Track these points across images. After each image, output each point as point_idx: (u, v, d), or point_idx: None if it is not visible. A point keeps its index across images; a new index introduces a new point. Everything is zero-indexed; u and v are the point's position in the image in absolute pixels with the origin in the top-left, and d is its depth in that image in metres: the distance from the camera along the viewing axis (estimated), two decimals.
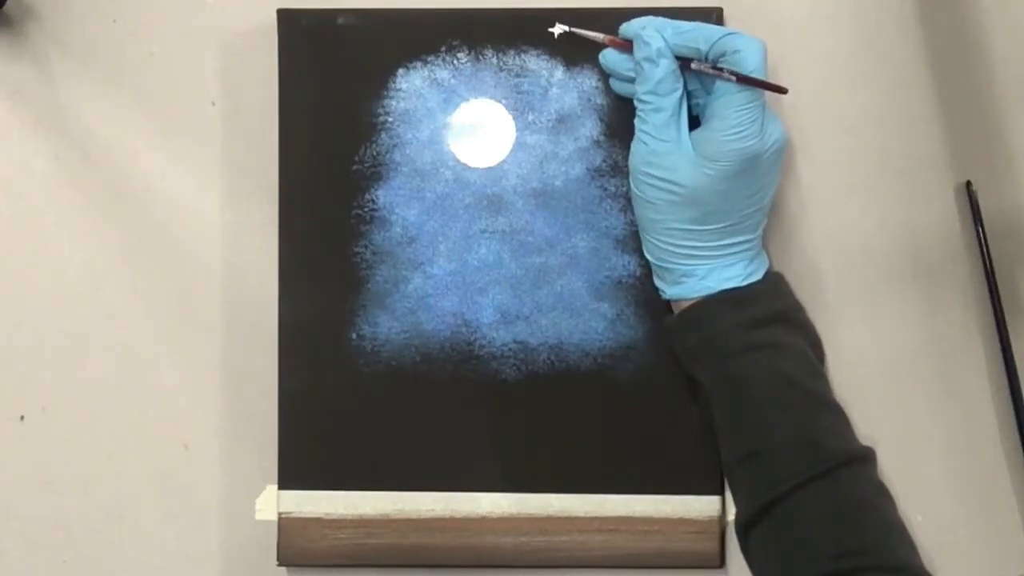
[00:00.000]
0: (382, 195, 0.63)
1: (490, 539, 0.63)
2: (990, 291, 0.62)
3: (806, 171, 0.64)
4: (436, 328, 0.63)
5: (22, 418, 0.64)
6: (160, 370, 0.64)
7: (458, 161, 0.63)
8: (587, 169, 0.63)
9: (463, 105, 0.63)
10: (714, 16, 0.62)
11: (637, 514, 0.62)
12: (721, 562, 0.63)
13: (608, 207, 0.62)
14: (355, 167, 0.63)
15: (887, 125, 0.64)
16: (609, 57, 0.61)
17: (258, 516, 0.64)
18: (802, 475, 0.55)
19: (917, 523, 0.63)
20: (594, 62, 0.62)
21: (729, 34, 0.57)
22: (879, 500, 0.56)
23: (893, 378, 0.64)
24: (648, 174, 0.57)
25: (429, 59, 0.63)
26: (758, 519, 0.56)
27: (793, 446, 0.56)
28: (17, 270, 0.64)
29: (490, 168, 0.63)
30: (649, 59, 0.57)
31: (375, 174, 0.63)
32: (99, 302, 0.64)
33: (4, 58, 0.64)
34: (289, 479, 0.63)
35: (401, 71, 0.63)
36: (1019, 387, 0.62)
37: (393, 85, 0.63)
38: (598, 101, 0.62)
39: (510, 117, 0.63)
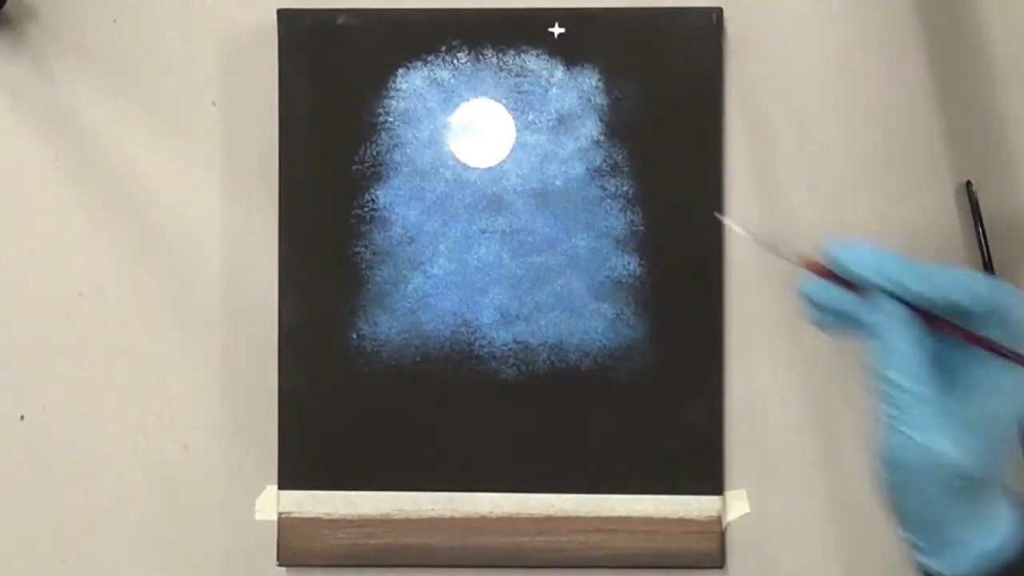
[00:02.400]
0: (382, 195, 0.63)
1: (490, 539, 0.63)
2: None
3: (806, 171, 0.64)
4: (436, 328, 0.63)
5: (22, 418, 0.64)
6: (160, 370, 0.64)
7: (458, 161, 0.63)
8: (587, 169, 0.63)
9: (463, 105, 0.63)
10: (714, 16, 0.62)
11: (637, 514, 0.62)
12: (721, 562, 0.63)
13: (608, 207, 0.62)
14: (355, 167, 0.63)
15: (887, 125, 0.64)
16: (812, 289, 0.47)
17: (258, 516, 0.64)
18: None
19: None
20: (594, 62, 0.62)
21: (1007, 292, 0.44)
22: None
23: None
24: (914, 470, 0.45)
25: (429, 59, 0.63)
26: None
27: None
28: (17, 270, 0.64)
29: (490, 168, 0.63)
30: (895, 331, 0.44)
31: (375, 174, 0.63)
32: (99, 302, 0.64)
33: (4, 58, 0.64)
34: (289, 479, 0.63)
35: (401, 71, 0.63)
36: None
37: (393, 85, 0.63)
38: (598, 101, 0.62)
39: (510, 117, 0.63)
